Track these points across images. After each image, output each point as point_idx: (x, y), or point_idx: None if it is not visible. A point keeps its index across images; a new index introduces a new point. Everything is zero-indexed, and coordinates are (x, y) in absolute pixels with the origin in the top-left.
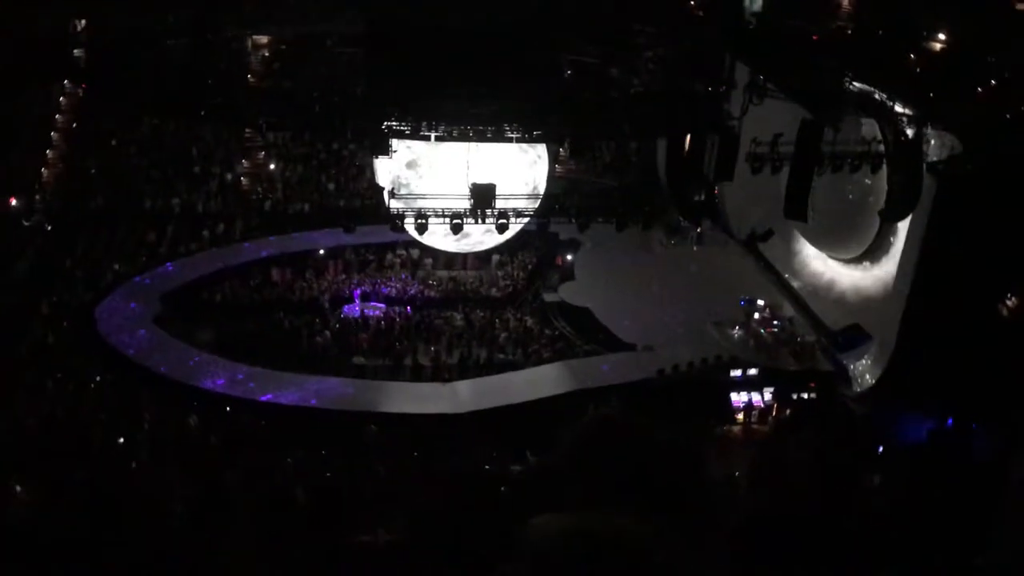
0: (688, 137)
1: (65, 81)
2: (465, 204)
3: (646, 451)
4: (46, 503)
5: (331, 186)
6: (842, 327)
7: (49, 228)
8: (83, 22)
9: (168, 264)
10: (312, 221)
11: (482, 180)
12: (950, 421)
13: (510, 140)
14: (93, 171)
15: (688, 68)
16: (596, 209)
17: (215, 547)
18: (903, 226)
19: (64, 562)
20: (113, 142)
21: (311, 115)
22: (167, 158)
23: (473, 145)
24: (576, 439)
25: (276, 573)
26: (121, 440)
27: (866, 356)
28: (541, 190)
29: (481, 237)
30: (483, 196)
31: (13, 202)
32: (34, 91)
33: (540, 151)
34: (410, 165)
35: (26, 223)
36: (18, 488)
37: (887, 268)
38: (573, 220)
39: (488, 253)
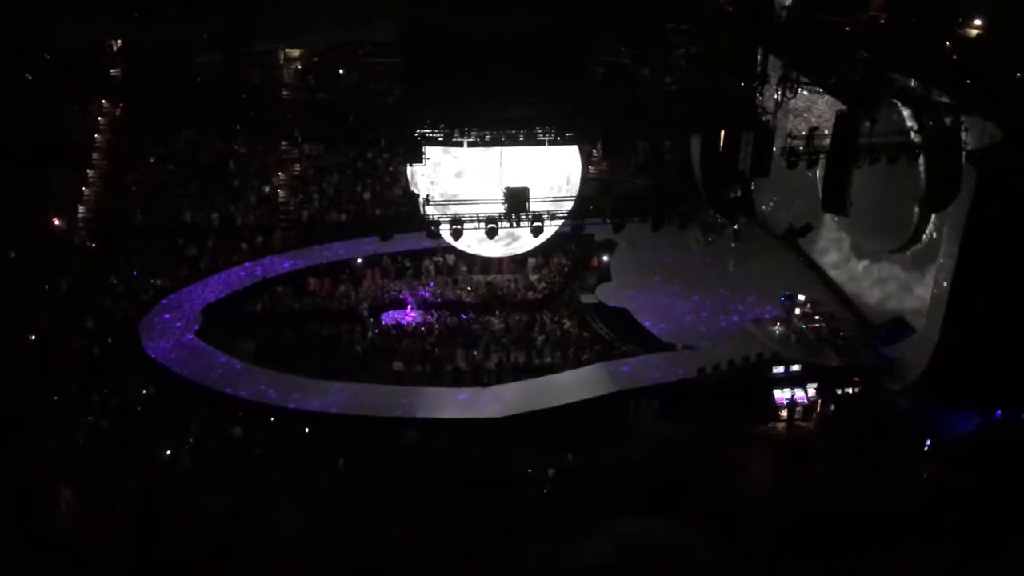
0: (722, 134)
1: (103, 99)
2: (499, 208)
3: (700, 469)
4: (94, 512)
5: (367, 195)
6: (885, 320)
7: (92, 246)
8: (119, 42)
9: (208, 277)
10: (349, 230)
11: (516, 183)
12: (998, 413)
13: (542, 143)
14: (133, 188)
15: (720, 64)
16: (631, 209)
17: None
18: (943, 216)
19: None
20: (151, 159)
21: (345, 126)
22: (204, 172)
23: (506, 149)
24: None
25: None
26: (168, 452)
27: (910, 349)
28: (575, 192)
29: (528, 240)
30: (517, 199)
31: (56, 222)
32: (73, 110)
33: (573, 153)
34: (459, 175)
35: (69, 243)
36: (64, 498)
37: (928, 259)
38: (608, 221)
39: (523, 257)
